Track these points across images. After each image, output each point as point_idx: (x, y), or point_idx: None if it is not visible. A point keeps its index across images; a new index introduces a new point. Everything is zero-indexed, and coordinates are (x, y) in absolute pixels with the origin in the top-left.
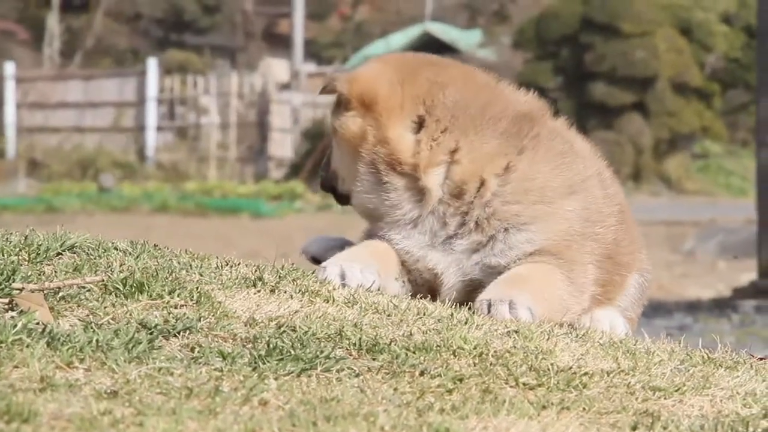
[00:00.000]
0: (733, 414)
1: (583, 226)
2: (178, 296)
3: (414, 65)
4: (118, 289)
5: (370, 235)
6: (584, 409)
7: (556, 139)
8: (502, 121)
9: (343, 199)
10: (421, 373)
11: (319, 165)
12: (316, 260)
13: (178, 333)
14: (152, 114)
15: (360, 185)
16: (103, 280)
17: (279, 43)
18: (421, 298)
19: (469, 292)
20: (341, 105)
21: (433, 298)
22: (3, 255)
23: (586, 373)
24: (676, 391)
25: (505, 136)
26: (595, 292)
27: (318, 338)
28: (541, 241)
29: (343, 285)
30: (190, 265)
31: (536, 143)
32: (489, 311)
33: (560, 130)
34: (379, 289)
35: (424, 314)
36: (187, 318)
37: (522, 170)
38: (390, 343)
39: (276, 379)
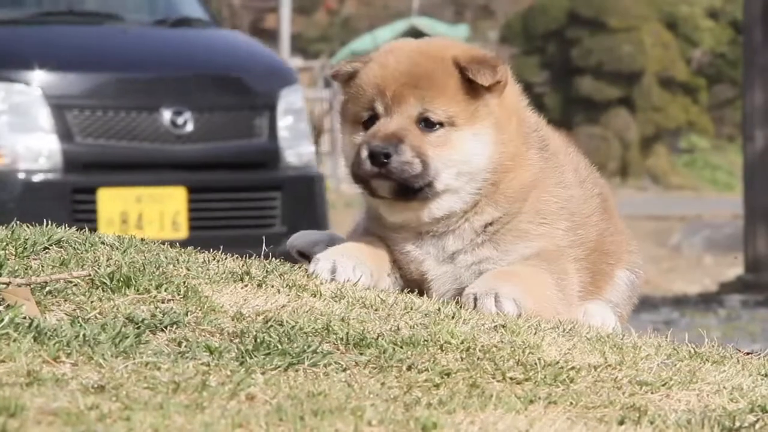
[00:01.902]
0: (719, 408)
1: (569, 239)
2: (165, 291)
3: None
4: (105, 283)
5: (357, 231)
6: (571, 403)
7: (555, 154)
8: (536, 142)
9: (414, 193)
10: (409, 368)
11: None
12: (302, 254)
13: (165, 327)
14: None
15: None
16: (90, 275)
17: (266, 37)
18: (408, 292)
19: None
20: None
21: (421, 293)
22: None
23: (573, 368)
24: (663, 385)
25: (538, 158)
26: (584, 283)
27: (305, 333)
28: (537, 248)
29: (332, 280)
30: (177, 260)
31: (548, 163)
32: (475, 305)
33: (551, 138)
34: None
35: (411, 309)
36: (174, 312)
37: (537, 191)
38: (377, 338)
39: (263, 373)
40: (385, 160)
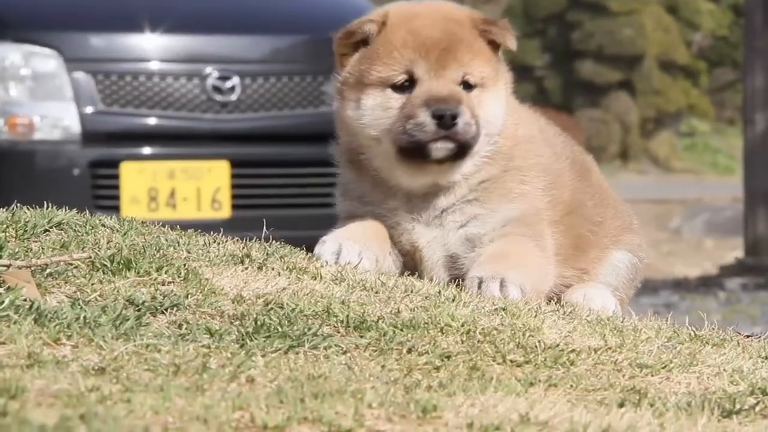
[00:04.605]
0: (719, 391)
1: (545, 200)
2: (165, 273)
3: None
4: (105, 265)
5: (350, 214)
6: (571, 386)
7: (517, 109)
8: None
9: (464, 155)
10: (409, 351)
11: None
12: None
13: (166, 310)
14: None
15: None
16: (90, 257)
17: None
18: (409, 275)
19: (449, 268)
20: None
21: (412, 272)
22: None
23: (573, 351)
24: (663, 368)
25: (517, 113)
26: (564, 246)
27: (305, 315)
28: (519, 211)
29: (336, 263)
30: (178, 242)
31: (520, 119)
32: (479, 288)
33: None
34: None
35: (412, 291)
36: (175, 295)
37: (519, 149)
38: (377, 321)
39: (263, 356)
40: (453, 122)
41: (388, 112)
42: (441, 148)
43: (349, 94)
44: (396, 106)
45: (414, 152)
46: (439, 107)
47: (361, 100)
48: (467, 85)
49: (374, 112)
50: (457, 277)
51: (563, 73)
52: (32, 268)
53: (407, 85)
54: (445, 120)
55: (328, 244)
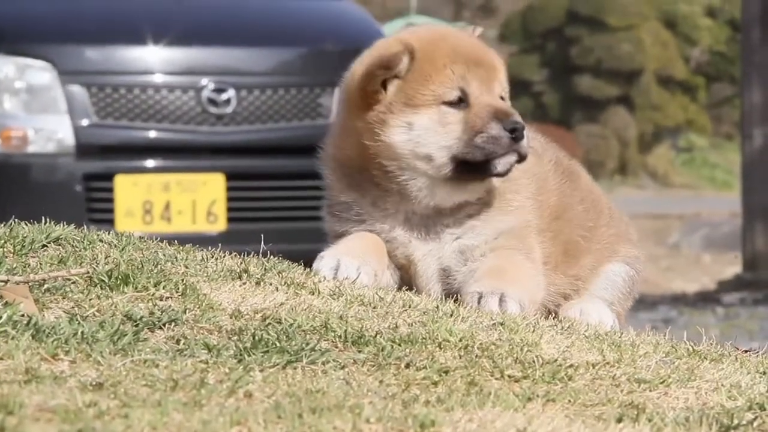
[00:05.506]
0: (718, 406)
1: (534, 209)
2: (163, 288)
3: None
4: (103, 281)
5: (343, 233)
6: (569, 401)
7: None
8: None
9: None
10: (407, 366)
11: None
12: None
13: (164, 325)
14: None
15: None
16: (88, 272)
17: None
18: (407, 289)
19: (443, 282)
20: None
21: (409, 286)
22: None
23: (571, 366)
24: (662, 383)
25: None
26: (553, 254)
27: (303, 330)
28: (514, 222)
29: (334, 278)
30: (176, 258)
31: None
32: (479, 303)
33: None
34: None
35: (410, 306)
36: (173, 310)
37: None
38: (375, 336)
39: (261, 371)
40: (523, 135)
41: (448, 128)
42: (507, 162)
43: (393, 120)
44: (454, 122)
45: (476, 167)
46: (512, 120)
47: (414, 121)
48: (502, 100)
49: (432, 129)
50: (450, 291)
51: (562, 88)
52: (30, 284)
53: (459, 101)
54: (518, 133)
55: (327, 259)
